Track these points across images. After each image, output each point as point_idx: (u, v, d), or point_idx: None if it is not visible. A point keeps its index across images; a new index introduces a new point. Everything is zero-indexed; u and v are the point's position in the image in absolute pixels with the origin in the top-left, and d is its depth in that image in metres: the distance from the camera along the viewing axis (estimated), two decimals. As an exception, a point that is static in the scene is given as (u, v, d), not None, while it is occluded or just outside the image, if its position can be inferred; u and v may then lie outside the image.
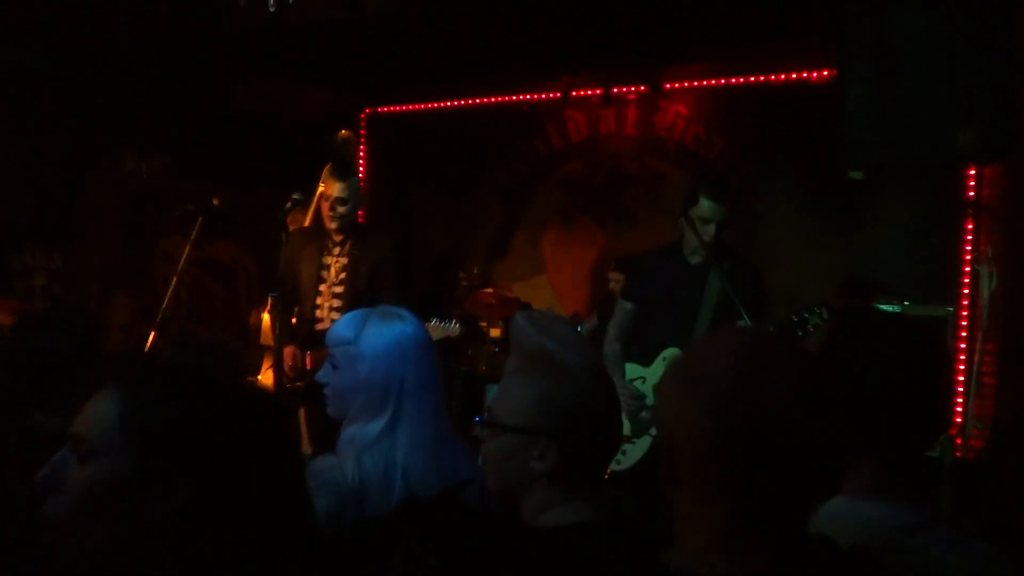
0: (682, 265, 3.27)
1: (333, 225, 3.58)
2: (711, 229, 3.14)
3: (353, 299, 3.44)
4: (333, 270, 3.62)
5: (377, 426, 1.65)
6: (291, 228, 3.76)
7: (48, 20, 4.26)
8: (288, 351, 3.54)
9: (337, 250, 3.64)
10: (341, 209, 3.54)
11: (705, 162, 5.22)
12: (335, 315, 3.55)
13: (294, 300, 3.65)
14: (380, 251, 3.62)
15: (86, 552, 0.91)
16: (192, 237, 3.62)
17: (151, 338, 3.43)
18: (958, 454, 3.85)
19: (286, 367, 3.48)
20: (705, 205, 3.14)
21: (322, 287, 3.63)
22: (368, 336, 1.71)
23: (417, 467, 1.59)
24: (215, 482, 0.90)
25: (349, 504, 1.56)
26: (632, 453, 3.21)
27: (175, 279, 3.63)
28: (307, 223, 4.26)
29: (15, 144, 4.78)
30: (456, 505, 0.90)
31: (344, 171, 3.57)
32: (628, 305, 3.37)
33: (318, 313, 3.61)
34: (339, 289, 3.59)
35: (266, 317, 4.43)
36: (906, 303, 3.85)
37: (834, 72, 3.76)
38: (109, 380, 1.01)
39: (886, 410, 1.18)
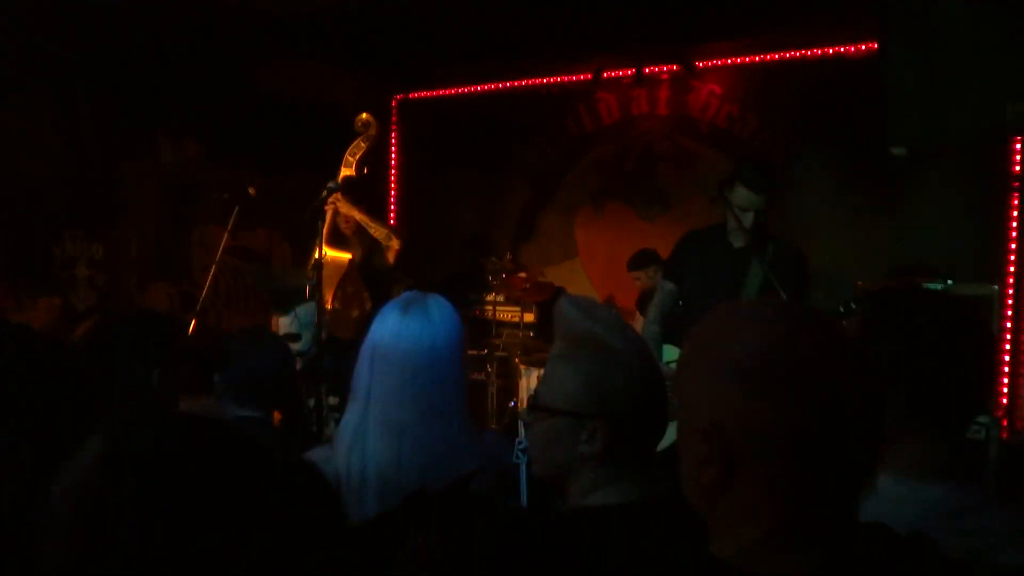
0: (724, 247, 3.22)
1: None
2: (749, 217, 3.08)
3: None
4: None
5: (354, 415, 1.61)
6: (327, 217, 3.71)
7: (83, 11, 4.32)
8: None
9: None
10: (297, 346, 3.26)
11: (739, 141, 5.14)
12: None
13: None
14: None
15: None
16: (229, 226, 3.66)
17: (192, 326, 3.48)
18: (1005, 436, 3.77)
19: None
20: (743, 194, 3.08)
21: None
22: (379, 320, 1.66)
23: (387, 464, 1.54)
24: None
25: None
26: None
27: (214, 267, 3.67)
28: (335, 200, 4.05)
29: (53, 136, 4.87)
30: (465, 495, 0.87)
31: (284, 305, 3.21)
32: (669, 286, 3.34)
33: None
34: None
35: None
36: (950, 282, 3.76)
37: (874, 46, 3.67)
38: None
39: (926, 388, 1.16)
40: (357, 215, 4.41)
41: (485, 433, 1.84)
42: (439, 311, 1.66)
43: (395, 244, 4.20)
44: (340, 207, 4.02)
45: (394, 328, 1.62)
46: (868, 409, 0.82)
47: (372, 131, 4.40)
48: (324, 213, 3.56)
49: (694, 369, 0.87)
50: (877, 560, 0.82)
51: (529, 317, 5.33)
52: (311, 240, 3.52)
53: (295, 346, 3.23)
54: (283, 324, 3.28)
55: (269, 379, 2.15)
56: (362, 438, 1.59)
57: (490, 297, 5.11)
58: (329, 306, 3.59)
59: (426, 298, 1.69)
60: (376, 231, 4.33)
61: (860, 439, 0.82)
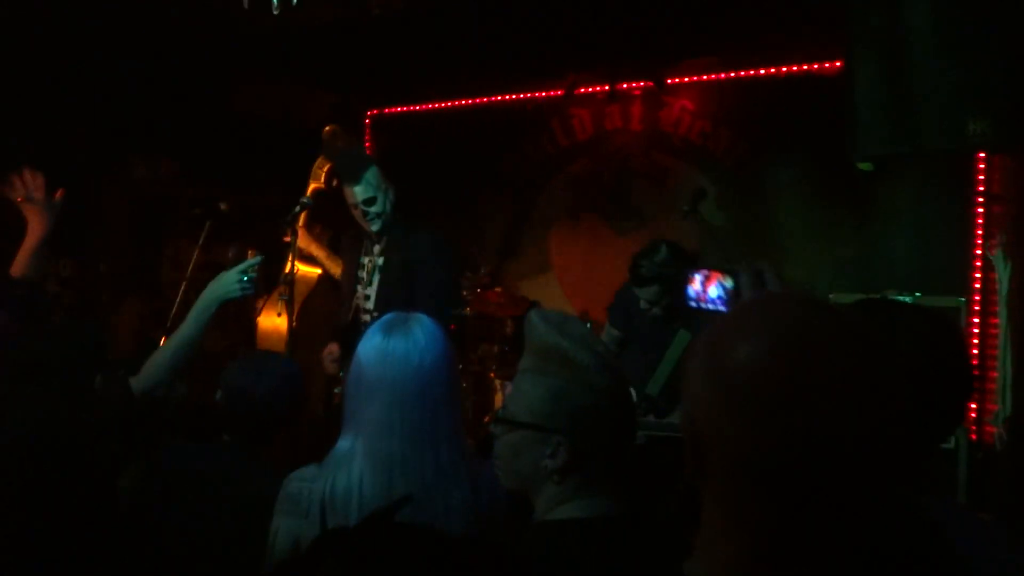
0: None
1: (373, 228, 3.40)
2: (655, 311, 3.18)
3: (384, 301, 3.27)
4: (368, 270, 3.46)
5: (345, 443, 1.56)
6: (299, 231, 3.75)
7: (54, 27, 4.27)
8: (327, 348, 3.45)
9: (376, 248, 3.47)
10: (373, 208, 3.34)
11: (712, 156, 5.20)
12: (366, 317, 3.38)
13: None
14: (417, 251, 3.37)
15: None
16: (201, 242, 3.63)
17: (162, 343, 3.42)
18: (973, 438, 3.82)
19: (326, 365, 3.41)
20: (640, 292, 3.17)
21: (358, 287, 3.47)
22: (363, 342, 1.59)
23: (373, 492, 1.48)
24: None
25: (310, 526, 1.49)
26: None
27: (184, 284, 3.63)
28: (300, 225, 4.18)
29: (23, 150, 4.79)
30: (388, 526, 0.84)
31: (352, 174, 3.35)
32: (614, 332, 3.48)
33: (352, 316, 3.47)
34: (370, 291, 3.40)
35: (262, 320, 4.44)
36: (917, 294, 3.82)
37: (841, 63, 3.73)
38: None
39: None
40: (316, 251, 4.42)
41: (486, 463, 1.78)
42: (423, 331, 1.56)
43: None
44: (300, 242, 4.02)
45: (377, 353, 1.53)
46: (866, 438, 0.71)
47: (339, 141, 4.40)
48: (296, 229, 3.56)
49: (690, 361, 0.81)
50: None
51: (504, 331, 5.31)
52: (284, 254, 3.50)
53: None
54: (358, 192, 3.39)
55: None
56: (348, 464, 1.52)
57: (465, 312, 5.09)
58: (296, 324, 3.57)
59: (408, 318, 1.59)
60: (334, 268, 4.34)
61: (846, 472, 0.71)
